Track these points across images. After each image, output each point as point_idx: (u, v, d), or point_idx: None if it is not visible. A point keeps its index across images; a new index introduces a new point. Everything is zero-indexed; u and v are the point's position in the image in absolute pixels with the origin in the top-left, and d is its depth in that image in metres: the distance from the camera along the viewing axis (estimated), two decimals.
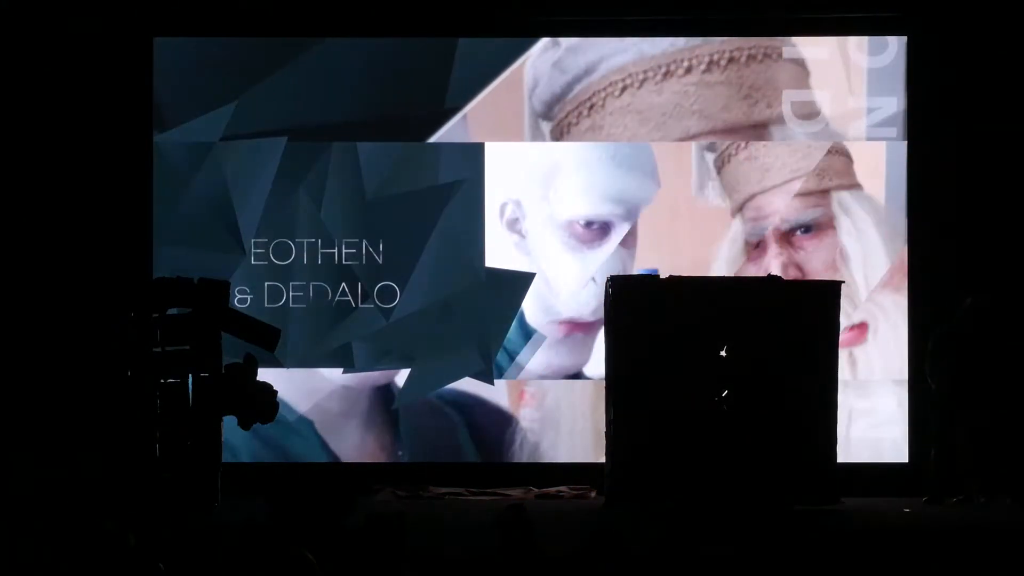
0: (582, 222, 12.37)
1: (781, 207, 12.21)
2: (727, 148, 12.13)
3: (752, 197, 12.25)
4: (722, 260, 12.23)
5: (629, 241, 12.26)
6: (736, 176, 12.22)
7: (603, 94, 12.36)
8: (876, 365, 12.25)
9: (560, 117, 12.40)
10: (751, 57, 12.35)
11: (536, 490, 11.92)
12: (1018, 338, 11.80)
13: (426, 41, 12.36)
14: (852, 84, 12.28)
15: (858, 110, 12.29)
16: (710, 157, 12.22)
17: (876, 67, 12.29)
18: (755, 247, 12.26)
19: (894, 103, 12.29)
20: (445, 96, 12.34)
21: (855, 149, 12.34)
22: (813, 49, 12.31)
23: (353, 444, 12.40)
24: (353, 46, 12.34)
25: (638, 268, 12.11)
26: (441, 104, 12.36)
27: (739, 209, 12.28)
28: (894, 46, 12.29)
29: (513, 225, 12.41)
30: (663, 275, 11.43)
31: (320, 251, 12.42)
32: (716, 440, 11.00)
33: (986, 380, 11.35)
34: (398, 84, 12.37)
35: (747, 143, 12.14)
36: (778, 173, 12.19)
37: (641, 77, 12.36)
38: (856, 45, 12.31)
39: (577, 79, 12.39)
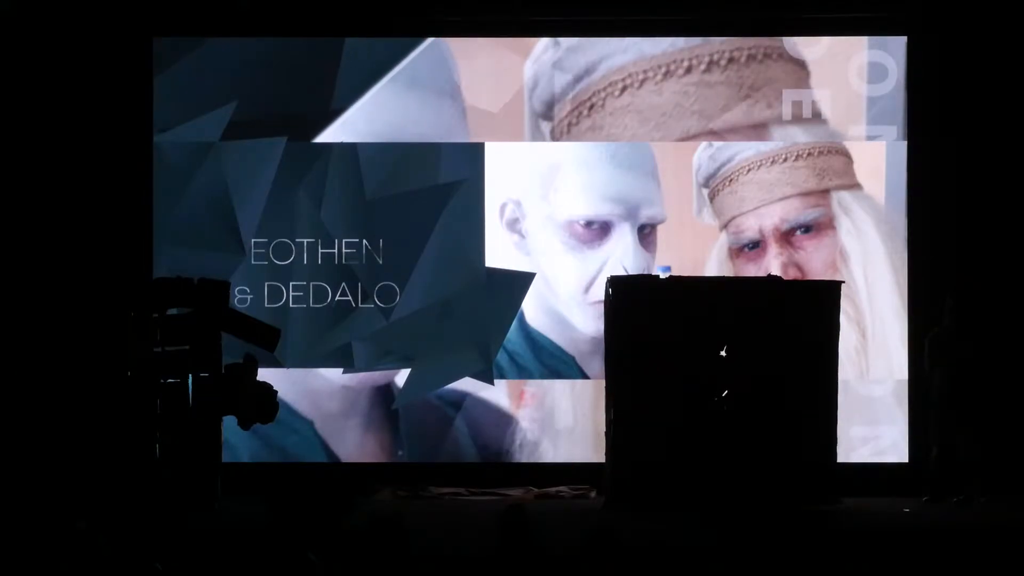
0: (582, 222, 12.38)
1: (753, 224, 12.29)
2: (717, 184, 12.30)
3: (733, 218, 12.35)
4: (713, 261, 12.30)
5: (650, 245, 12.29)
6: (722, 204, 12.35)
7: (603, 94, 12.37)
8: (876, 365, 12.29)
9: (560, 117, 12.40)
10: (751, 57, 12.36)
11: (536, 490, 11.92)
12: (1013, 335, 11.82)
13: (313, 41, 12.38)
14: (852, 113, 12.31)
15: (858, 137, 12.34)
16: (705, 191, 12.31)
17: (875, 95, 12.32)
18: (750, 248, 12.31)
19: (893, 131, 12.30)
20: (332, 96, 12.36)
21: (855, 149, 12.35)
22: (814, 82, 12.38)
23: (353, 444, 12.40)
24: (241, 45, 12.38)
25: (657, 265, 12.14)
26: (328, 104, 12.37)
27: (724, 226, 12.35)
28: (894, 74, 12.30)
29: (513, 225, 12.42)
30: (674, 271, 11.51)
31: (320, 251, 12.42)
32: (716, 440, 11.00)
33: (984, 379, 11.35)
34: (284, 83, 12.40)
35: (731, 180, 12.26)
36: (750, 202, 12.33)
37: (641, 77, 12.37)
38: (856, 72, 12.33)
39: (577, 79, 12.40)
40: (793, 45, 12.38)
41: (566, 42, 12.40)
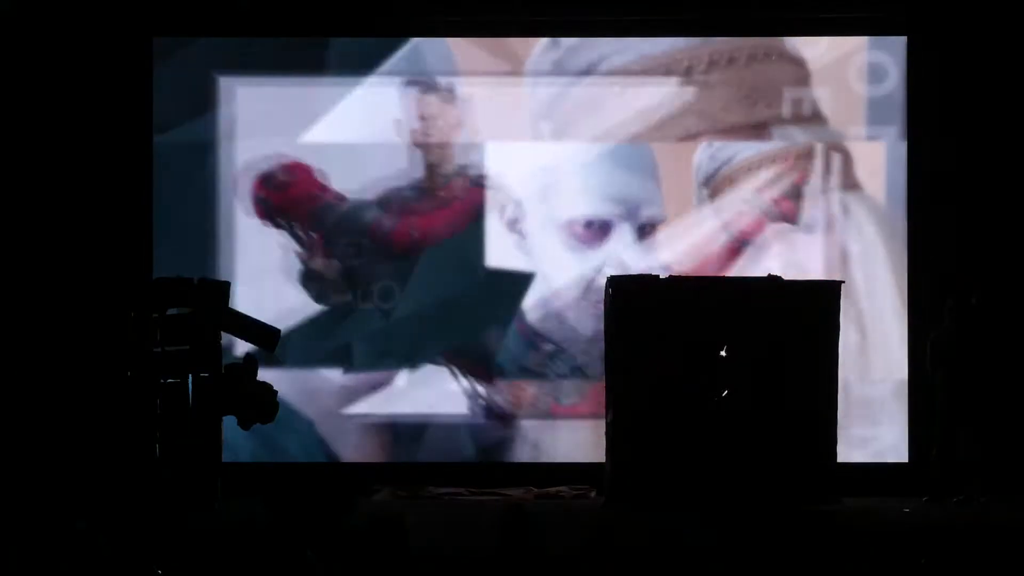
0: (582, 222, 12.38)
1: (753, 223, 12.30)
2: (717, 184, 12.30)
3: (733, 218, 12.30)
4: (713, 261, 12.27)
5: (650, 245, 12.27)
6: (722, 204, 12.32)
7: (603, 94, 12.37)
8: (876, 365, 12.29)
9: (560, 117, 12.40)
10: (751, 57, 12.36)
11: (536, 490, 11.92)
12: (1014, 336, 11.82)
13: (312, 40, 12.38)
14: (852, 113, 12.31)
15: (858, 137, 12.35)
16: (705, 191, 12.31)
17: (875, 95, 12.32)
18: (750, 248, 12.32)
19: (893, 131, 12.30)
20: (331, 95, 12.36)
21: (855, 149, 12.35)
22: (817, 90, 12.38)
23: (353, 444, 12.40)
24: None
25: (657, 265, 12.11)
26: (327, 103, 12.37)
27: (724, 226, 12.31)
28: (894, 74, 12.30)
29: (513, 225, 12.41)
30: (674, 268, 11.50)
31: (320, 251, 12.41)
32: (716, 440, 11.00)
33: (985, 380, 11.35)
34: (283, 82, 12.39)
35: (731, 180, 12.27)
36: (750, 202, 12.29)
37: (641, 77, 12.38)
38: (856, 72, 12.33)
39: (577, 79, 12.39)
40: (793, 45, 12.39)
41: (566, 42, 12.40)
